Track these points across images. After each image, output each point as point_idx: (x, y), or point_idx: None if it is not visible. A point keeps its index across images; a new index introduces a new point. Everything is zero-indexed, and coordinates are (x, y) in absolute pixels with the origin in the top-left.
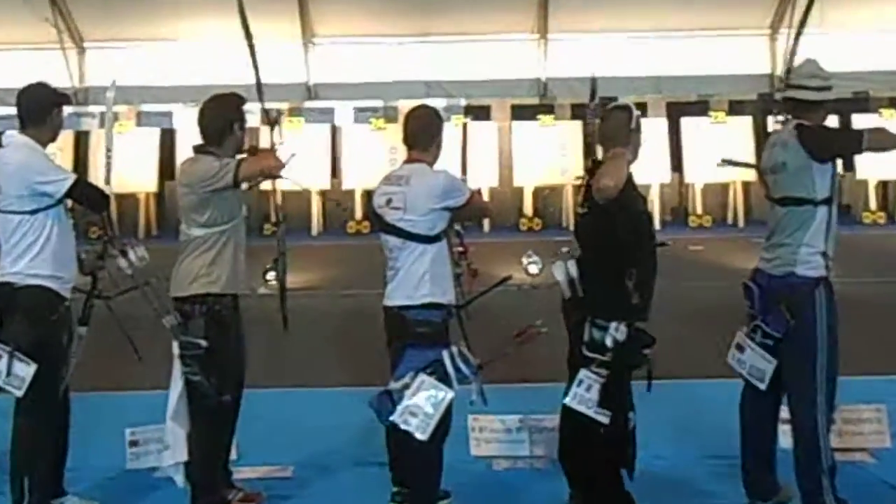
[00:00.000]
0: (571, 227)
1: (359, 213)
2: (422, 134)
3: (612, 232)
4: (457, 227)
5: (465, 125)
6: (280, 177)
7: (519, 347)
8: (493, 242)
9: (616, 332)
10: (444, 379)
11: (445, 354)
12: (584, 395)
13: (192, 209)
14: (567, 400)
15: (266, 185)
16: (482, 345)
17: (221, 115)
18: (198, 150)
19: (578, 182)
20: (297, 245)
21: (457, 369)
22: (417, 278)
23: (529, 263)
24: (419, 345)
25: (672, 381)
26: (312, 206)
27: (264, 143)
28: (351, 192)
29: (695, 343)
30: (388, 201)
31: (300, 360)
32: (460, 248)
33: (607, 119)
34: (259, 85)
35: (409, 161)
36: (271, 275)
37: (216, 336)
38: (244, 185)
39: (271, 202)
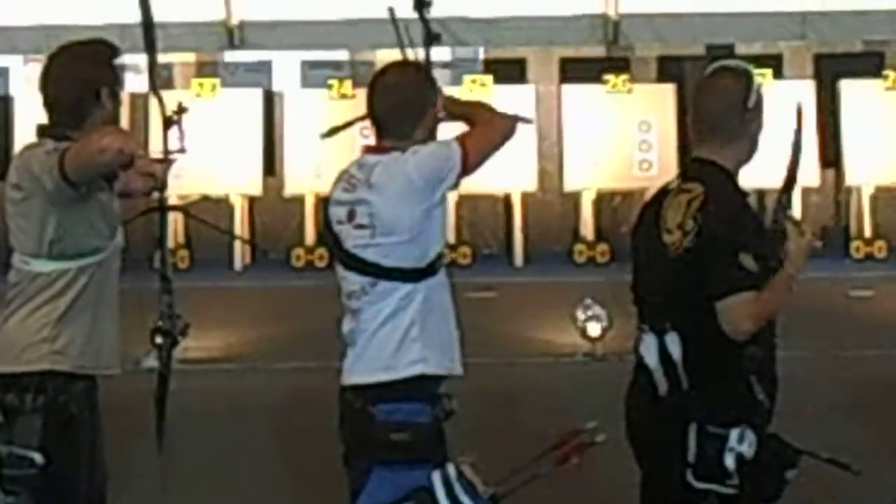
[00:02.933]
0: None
1: (310, 235)
2: (396, 114)
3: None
4: None
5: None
6: (155, 186)
7: (559, 466)
8: (530, 284)
9: (740, 443)
10: None
11: (437, 478)
12: None
13: (29, 222)
14: None
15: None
16: (500, 458)
17: (80, 76)
18: (44, 132)
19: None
20: (211, 287)
21: (456, 503)
22: (398, 337)
23: (588, 319)
24: (394, 461)
25: None
26: (235, 221)
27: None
28: (297, 201)
29: (858, 454)
30: (351, 215)
31: (204, 483)
32: None
33: (706, 89)
34: (148, 25)
35: (375, 150)
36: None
37: (60, 447)
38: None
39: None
